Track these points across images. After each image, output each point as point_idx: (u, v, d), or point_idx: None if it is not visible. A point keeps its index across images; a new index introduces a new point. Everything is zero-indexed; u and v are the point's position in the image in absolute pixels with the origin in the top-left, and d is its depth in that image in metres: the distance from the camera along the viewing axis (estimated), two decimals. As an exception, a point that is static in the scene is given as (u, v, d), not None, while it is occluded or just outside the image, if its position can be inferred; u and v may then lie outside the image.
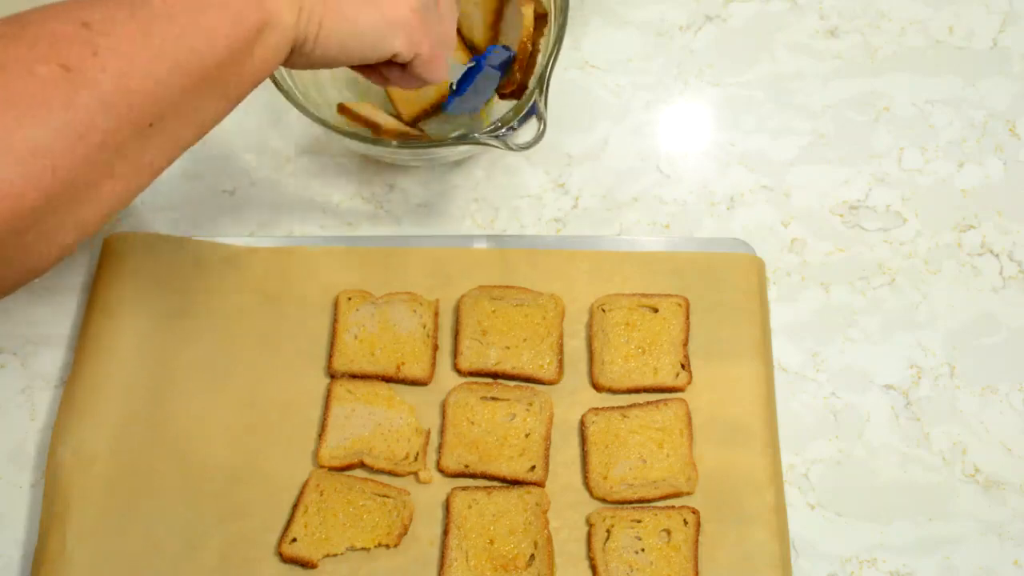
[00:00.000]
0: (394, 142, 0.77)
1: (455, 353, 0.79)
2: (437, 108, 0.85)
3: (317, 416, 0.77)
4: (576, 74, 0.92)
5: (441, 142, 0.78)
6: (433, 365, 0.78)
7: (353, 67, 0.66)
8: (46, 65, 0.46)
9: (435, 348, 0.79)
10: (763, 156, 0.89)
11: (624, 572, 0.71)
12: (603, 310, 0.79)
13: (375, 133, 0.80)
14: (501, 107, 0.83)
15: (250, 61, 0.54)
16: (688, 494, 0.74)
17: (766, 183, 0.88)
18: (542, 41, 0.81)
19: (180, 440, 0.76)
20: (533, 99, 0.73)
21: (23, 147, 0.46)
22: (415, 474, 0.75)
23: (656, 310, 0.79)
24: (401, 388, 0.78)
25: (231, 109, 0.56)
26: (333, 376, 0.78)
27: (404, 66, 0.64)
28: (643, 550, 0.72)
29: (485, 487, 0.75)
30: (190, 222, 0.86)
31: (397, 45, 0.61)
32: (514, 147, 0.73)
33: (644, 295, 0.80)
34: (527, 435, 0.76)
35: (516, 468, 0.75)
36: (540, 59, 0.80)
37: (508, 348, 0.78)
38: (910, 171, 0.88)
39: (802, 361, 0.81)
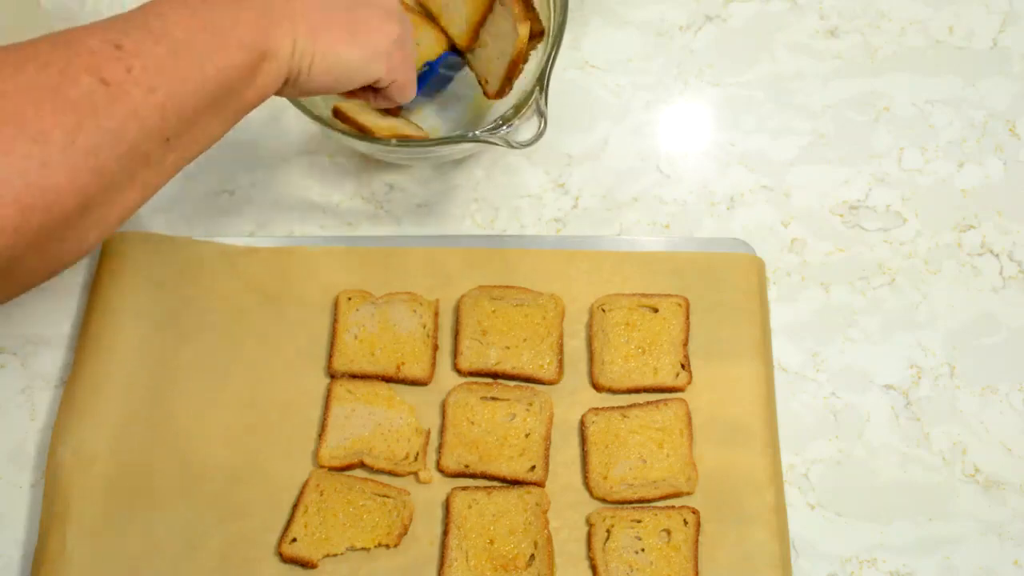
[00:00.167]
0: (394, 140, 0.77)
1: (455, 353, 0.79)
2: None
3: (317, 416, 0.77)
4: (576, 74, 0.92)
5: (441, 141, 0.78)
6: (433, 365, 0.78)
7: None
8: (88, 77, 0.50)
9: (435, 348, 0.79)
10: (763, 156, 0.89)
11: (624, 572, 0.71)
12: (603, 310, 0.79)
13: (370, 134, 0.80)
14: (502, 105, 0.83)
15: (252, 87, 0.59)
16: (688, 494, 0.74)
17: (766, 183, 0.88)
18: (540, 45, 0.81)
19: (180, 440, 0.76)
20: (534, 97, 0.73)
21: (77, 151, 0.49)
22: (415, 474, 0.75)
23: (656, 310, 0.79)
24: (401, 388, 0.78)
25: (228, 130, 0.61)
26: (333, 376, 0.78)
27: (378, 90, 0.70)
28: (643, 550, 0.72)
29: (485, 487, 0.75)
30: (190, 222, 0.86)
31: (379, 74, 0.67)
32: (515, 145, 0.73)
33: (644, 295, 0.80)
34: (527, 435, 0.76)
35: (516, 468, 0.75)
36: (540, 58, 0.80)
37: (508, 348, 0.78)
38: (910, 171, 0.88)
39: (802, 361, 0.81)
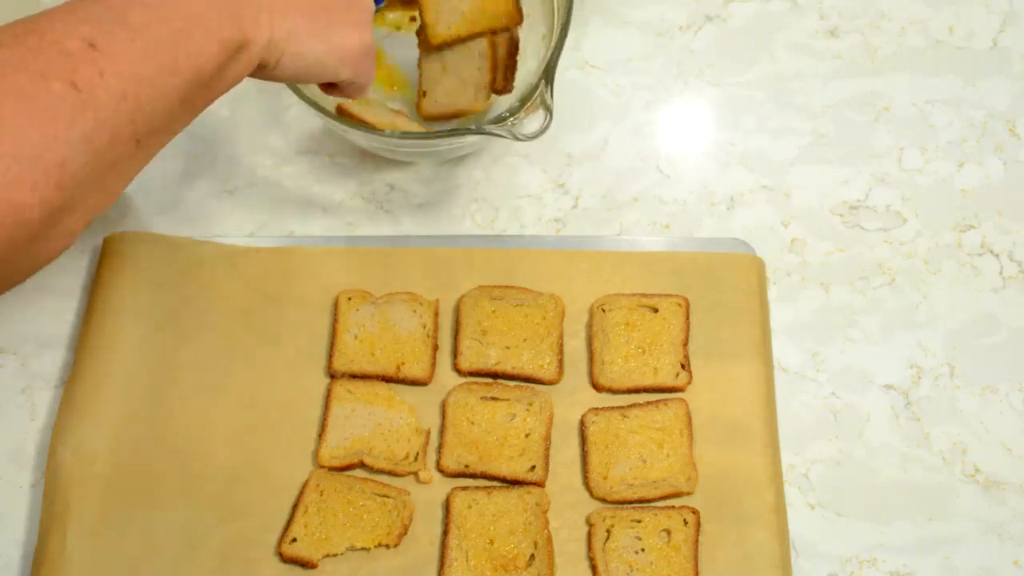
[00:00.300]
0: (397, 133, 0.77)
1: (455, 353, 0.79)
2: None
3: (317, 416, 0.77)
4: (576, 74, 0.92)
5: (447, 133, 0.77)
6: (433, 365, 0.78)
7: None
8: (59, 82, 0.48)
9: (435, 348, 0.79)
10: (763, 156, 0.89)
11: (624, 572, 0.71)
12: (603, 310, 0.79)
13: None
14: (506, 100, 0.83)
15: (223, 78, 0.58)
16: (688, 494, 0.74)
17: (766, 183, 0.88)
18: (543, 40, 0.81)
19: (180, 440, 0.76)
20: (539, 91, 0.74)
21: (43, 165, 0.48)
22: (415, 474, 0.75)
23: (656, 310, 0.79)
24: (401, 388, 0.78)
25: (195, 118, 0.59)
26: (333, 376, 0.78)
27: (334, 84, 0.70)
28: (643, 550, 0.72)
29: (485, 487, 0.75)
30: (190, 222, 0.86)
31: (345, 75, 0.68)
32: (521, 137, 0.73)
33: (644, 295, 0.80)
34: (527, 435, 0.76)
35: (516, 468, 0.75)
36: (545, 52, 0.80)
37: (508, 348, 0.78)
38: (910, 171, 0.88)
39: (802, 361, 0.81)
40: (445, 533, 0.73)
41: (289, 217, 0.86)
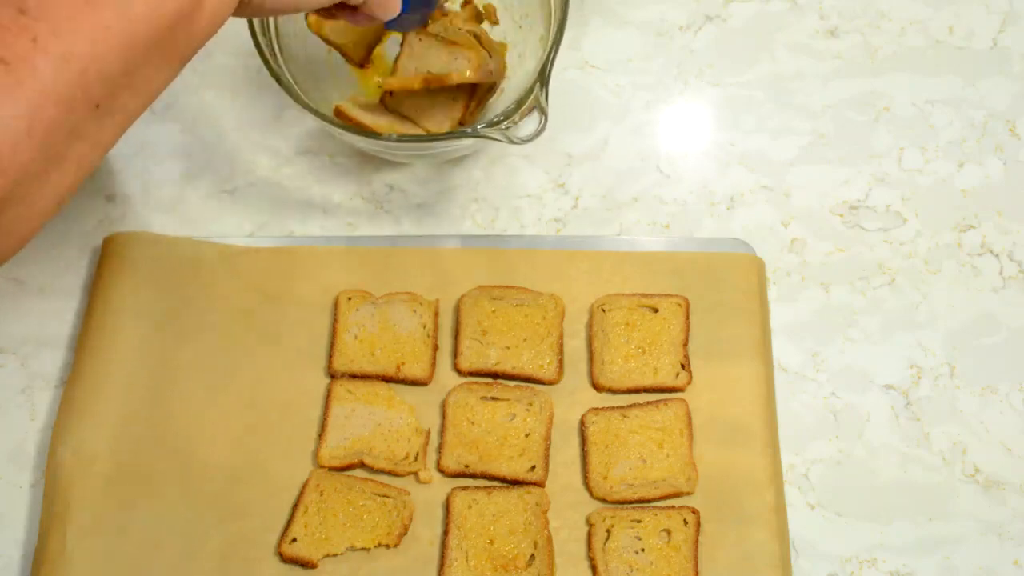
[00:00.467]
0: (395, 135, 0.77)
1: (455, 353, 0.79)
2: (379, 37, 0.86)
3: (317, 416, 0.77)
4: (576, 74, 0.92)
5: (442, 136, 0.77)
6: (433, 365, 0.78)
7: None
8: None
9: (435, 348, 0.79)
10: (763, 156, 0.89)
11: (624, 572, 0.71)
12: (603, 310, 0.79)
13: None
14: (501, 103, 0.83)
15: (200, 16, 0.51)
16: (688, 494, 0.74)
17: (766, 183, 0.88)
18: (540, 42, 0.81)
19: (180, 440, 0.76)
20: (535, 93, 0.73)
21: None
22: (415, 474, 0.75)
23: (656, 310, 0.79)
24: (401, 388, 0.78)
25: (180, 70, 0.52)
26: (333, 376, 0.78)
27: (356, 7, 0.62)
28: (643, 550, 0.72)
29: (485, 487, 0.75)
30: (190, 222, 0.86)
31: None
32: (516, 140, 0.73)
33: (644, 295, 0.80)
34: (527, 435, 0.76)
35: (516, 468, 0.75)
36: (542, 54, 0.80)
37: (508, 348, 0.78)
38: (910, 171, 0.88)
39: (802, 361, 0.81)
40: (445, 533, 0.73)
41: (289, 217, 0.86)
